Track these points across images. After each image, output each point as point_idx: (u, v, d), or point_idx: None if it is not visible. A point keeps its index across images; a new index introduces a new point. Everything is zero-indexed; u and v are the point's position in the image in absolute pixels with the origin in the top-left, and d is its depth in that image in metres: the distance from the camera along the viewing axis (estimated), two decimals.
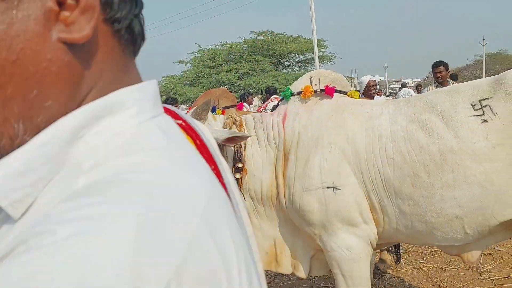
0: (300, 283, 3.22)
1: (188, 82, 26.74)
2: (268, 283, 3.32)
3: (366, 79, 4.52)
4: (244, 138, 1.98)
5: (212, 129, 2.03)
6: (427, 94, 1.99)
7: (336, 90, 2.04)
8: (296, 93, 2.09)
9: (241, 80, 25.11)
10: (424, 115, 1.82)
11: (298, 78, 2.24)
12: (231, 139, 1.96)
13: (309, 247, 2.12)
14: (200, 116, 2.05)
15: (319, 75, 2.11)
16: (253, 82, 23.97)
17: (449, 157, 1.74)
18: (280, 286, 3.26)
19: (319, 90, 2.05)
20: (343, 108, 1.98)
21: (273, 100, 6.16)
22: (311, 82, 2.08)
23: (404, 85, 12.72)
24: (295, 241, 2.15)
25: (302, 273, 2.15)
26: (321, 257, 2.11)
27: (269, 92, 7.07)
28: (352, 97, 2.09)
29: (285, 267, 2.16)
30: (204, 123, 2.07)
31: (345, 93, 2.10)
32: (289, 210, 2.03)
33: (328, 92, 2.03)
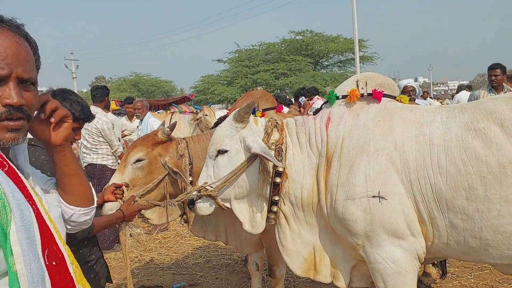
0: None
1: (225, 82, 27.09)
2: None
3: (403, 83, 4.35)
4: (271, 161, 1.92)
5: (252, 137, 1.99)
6: (483, 101, 1.85)
7: (384, 94, 1.95)
8: (341, 96, 2.02)
9: (278, 80, 25.05)
10: (482, 123, 1.69)
11: (336, 79, 2.17)
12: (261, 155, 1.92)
13: (350, 257, 2.04)
14: (242, 118, 2.03)
15: (366, 78, 2.02)
16: (290, 82, 23.81)
17: (509, 170, 1.61)
18: None
19: (365, 94, 1.97)
20: (392, 114, 1.89)
21: (319, 99, 6.12)
22: (357, 86, 2.00)
23: (463, 88, 9.96)
24: (335, 250, 2.08)
25: (342, 284, 2.08)
26: (363, 268, 2.03)
27: (312, 92, 7.00)
28: (401, 101, 1.99)
29: (324, 276, 2.10)
30: (245, 126, 2.05)
31: (394, 97, 2.00)
32: (330, 218, 1.96)
33: (375, 96, 1.95)
